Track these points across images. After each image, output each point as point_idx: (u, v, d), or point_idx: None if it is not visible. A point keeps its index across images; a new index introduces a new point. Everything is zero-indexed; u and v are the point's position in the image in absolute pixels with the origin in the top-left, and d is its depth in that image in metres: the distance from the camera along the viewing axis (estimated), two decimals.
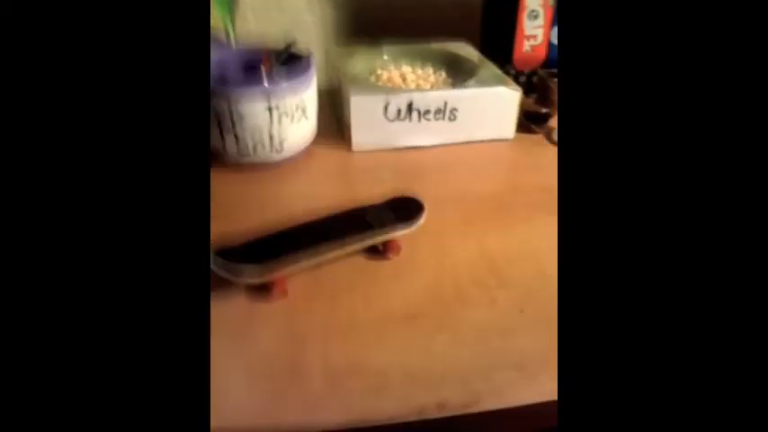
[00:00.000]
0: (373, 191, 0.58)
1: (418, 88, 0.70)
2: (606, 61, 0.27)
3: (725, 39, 0.26)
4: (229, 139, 0.57)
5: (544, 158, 0.65)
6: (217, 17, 0.69)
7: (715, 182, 0.25)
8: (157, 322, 0.26)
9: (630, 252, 0.26)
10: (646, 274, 0.26)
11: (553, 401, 0.36)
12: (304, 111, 0.60)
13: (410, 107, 0.63)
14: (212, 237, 0.45)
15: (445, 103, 0.64)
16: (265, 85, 0.55)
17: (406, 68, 0.75)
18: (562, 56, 0.31)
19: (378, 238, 0.46)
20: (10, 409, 0.24)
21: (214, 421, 0.34)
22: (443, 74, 0.75)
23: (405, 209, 0.50)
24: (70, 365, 0.25)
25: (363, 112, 0.63)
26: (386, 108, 0.63)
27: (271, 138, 0.58)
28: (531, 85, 0.79)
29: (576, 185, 0.27)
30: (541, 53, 0.78)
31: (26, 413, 0.24)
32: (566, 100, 0.28)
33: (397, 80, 0.72)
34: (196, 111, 0.28)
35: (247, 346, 0.39)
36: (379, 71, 0.75)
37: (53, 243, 0.26)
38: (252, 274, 0.41)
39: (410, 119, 0.64)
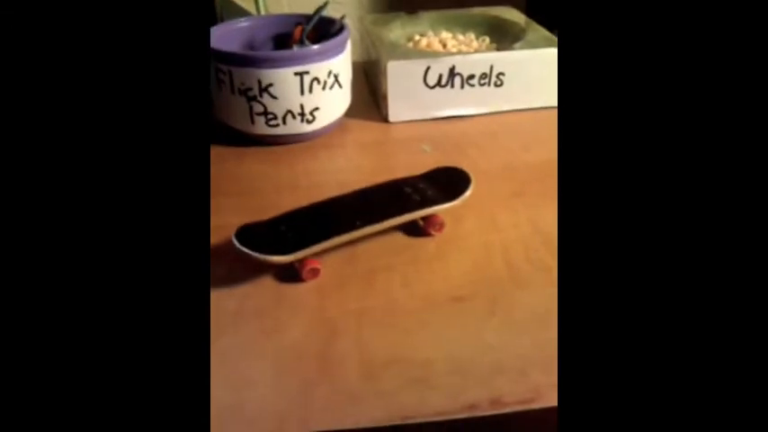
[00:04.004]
0: (413, 165, 0.53)
1: (460, 53, 0.65)
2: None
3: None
4: (257, 110, 0.53)
5: None
6: None
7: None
8: (152, 320, 0.23)
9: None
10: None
11: None
12: (337, 77, 0.55)
13: (452, 72, 0.58)
14: (240, 217, 0.42)
15: (491, 67, 0.58)
16: (294, 49, 0.51)
17: (446, 35, 0.69)
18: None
19: (418, 213, 0.41)
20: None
21: (238, 418, 0.30)
22: (487, 39, 0.69)
23: (448, 181, 0.45)
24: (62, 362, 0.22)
25: (401, 78, 0.58)
26: (426, 74, 0.58)
27: (301, 107, 0.53)
28: None
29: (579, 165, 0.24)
30: None
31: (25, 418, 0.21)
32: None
33: (437, 46, 0.67)
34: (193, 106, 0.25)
35: (275, 334, 0.35)
36: (417, 38, 0.69)
37: (40, 231, 0.23)
38: (279, 253, 0.37)
39: (452, 85, 0.59)
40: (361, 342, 0.34)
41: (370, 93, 0.68)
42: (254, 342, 0.35)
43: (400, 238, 0.43)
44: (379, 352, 0.34)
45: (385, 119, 0.61)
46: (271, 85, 0.52)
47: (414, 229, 0.43)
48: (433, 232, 0.43)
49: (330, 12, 0.61)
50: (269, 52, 0.53)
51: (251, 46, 0.61)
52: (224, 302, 0.38)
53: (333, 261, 0.41)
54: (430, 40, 0.68)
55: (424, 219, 0.43)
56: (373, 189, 0.43)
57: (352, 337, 0.35)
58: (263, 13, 0.65)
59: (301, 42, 0.58)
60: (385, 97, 0.60)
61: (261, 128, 0.54)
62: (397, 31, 0.71)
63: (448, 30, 0.71)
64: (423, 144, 0.56)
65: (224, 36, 0.57)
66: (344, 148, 0.58)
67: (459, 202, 0.43)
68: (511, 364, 0.33)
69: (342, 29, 0.57)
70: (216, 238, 0.43)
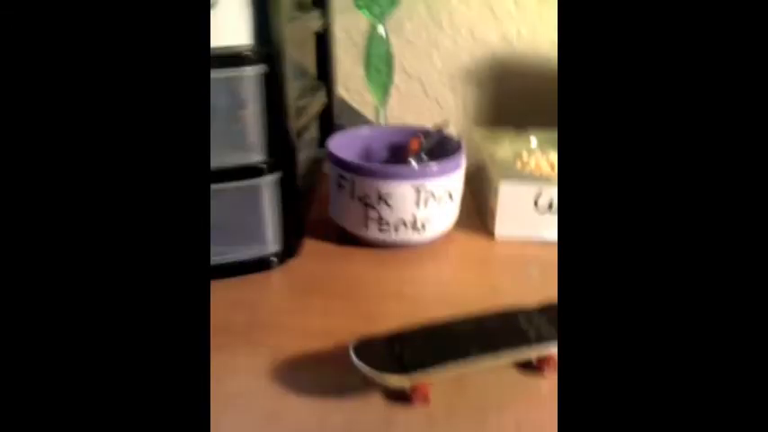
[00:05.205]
0: (518, 287, 0.53)
1: None
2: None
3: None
4: (372, 216, 0.55)
5: None
6: (368, 101, 0.69)
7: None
8: None
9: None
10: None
11: None
12: (450, 194, 0.57)
13: None
14: (347, 321, 0.42)
15: None
16: (414, 165, 0.53)
17: (555, 156, 0.71)
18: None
19: (533, 351, 0.41)
20: None
21: None
22: None
23: None
24: None
25: (512, 200, 0.59)
26: (536, 198, 0.58)
27: (414, 219, 0.55)
28: None
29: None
30: None
31: None
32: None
33: (546, 169, 0.68)
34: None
35: None
36: (526, 157, 0.71)
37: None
38: (396, 377, 0.37)
39: None
40: None
41: (475, 204, 0.69)
42: None
43: (512, 373, 0.42)
44: None
45: (491, 234, 0.61)
46: (388, 195, 0.54)
47: (526, 366, 0.43)
48: (547, 374, 0.42)
49: (435, 117, 0.63)
50: (391, 166, 0.56)
51: (368, 153, 0.64)
52: (332, 415, 0.38)
53: (443, 388, 0.40)
54: (539, 160, 0.69)
55: (538, 358, 0.42)
56: (488, 317, 0.43)
57: None
58: (382, 122, 0.68)
59: (418, 156, 0.61)
60: (493, 215, 0.60)
61: (373, 233, 0.56)
62: (505, 148, 0.72)
63: (556, 149, 0.72)
64: (529, 267, 0.56)
65: (344, 143, 0.61)
66: (449, 259, 0.58)
67: None
68: None
69: (458, 147, 0.59)
70: (326, 342, 0.44)
